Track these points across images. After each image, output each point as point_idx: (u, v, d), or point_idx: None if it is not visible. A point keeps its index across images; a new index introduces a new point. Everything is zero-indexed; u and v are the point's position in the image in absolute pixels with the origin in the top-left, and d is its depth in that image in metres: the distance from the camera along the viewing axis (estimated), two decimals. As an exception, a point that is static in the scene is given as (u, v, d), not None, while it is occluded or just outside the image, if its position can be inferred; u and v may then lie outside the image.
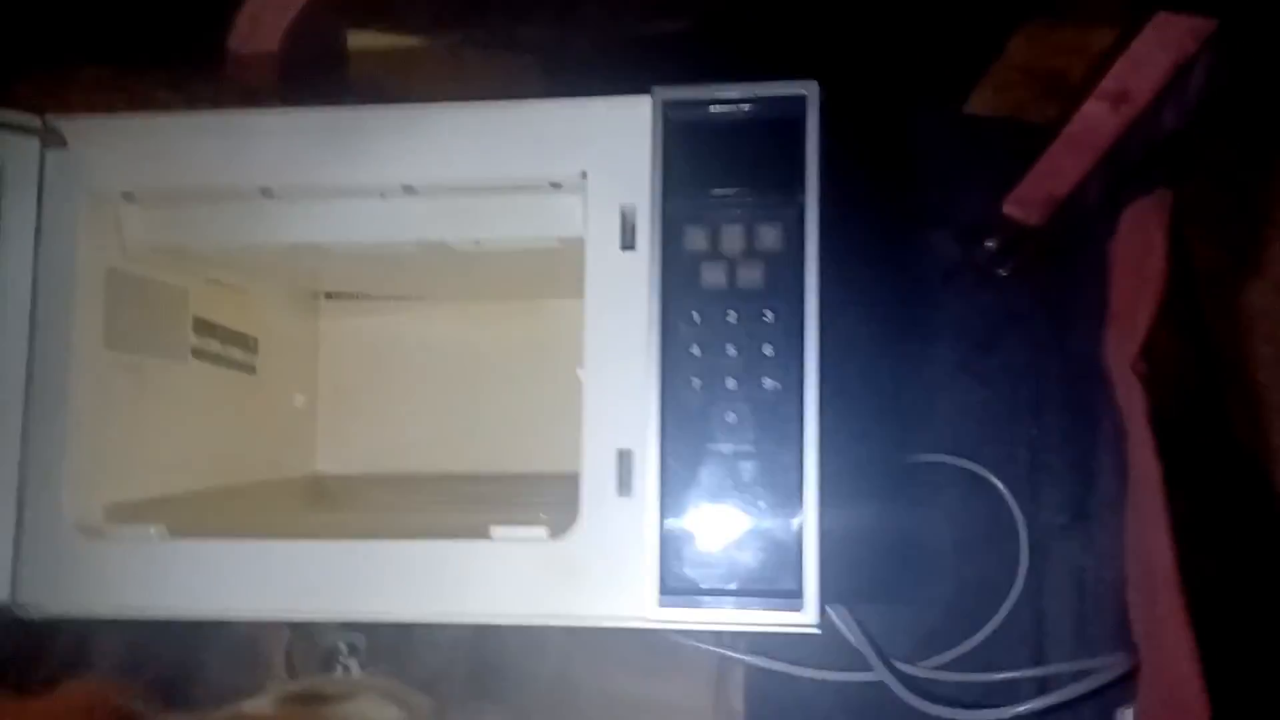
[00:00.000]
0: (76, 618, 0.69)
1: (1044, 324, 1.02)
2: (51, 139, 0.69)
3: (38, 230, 0.69)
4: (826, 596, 0.61)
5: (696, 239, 0.63)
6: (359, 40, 0.94)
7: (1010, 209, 1.01)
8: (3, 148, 0.67)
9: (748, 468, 0.61)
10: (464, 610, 0.64)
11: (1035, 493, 0.95)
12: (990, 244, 1.07)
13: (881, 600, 0.93)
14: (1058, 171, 0.94)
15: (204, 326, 0.86)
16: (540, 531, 0.64)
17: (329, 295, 1.04)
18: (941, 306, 1.06)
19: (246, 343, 0.93)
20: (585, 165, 0.66)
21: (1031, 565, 0.93)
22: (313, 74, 0.93)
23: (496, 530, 0.65)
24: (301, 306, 1.02)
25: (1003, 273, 1.06)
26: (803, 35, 0.91)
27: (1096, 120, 0.87)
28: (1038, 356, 1.01)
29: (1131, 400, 0.85)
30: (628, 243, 0.64)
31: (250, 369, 0.93)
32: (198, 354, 0.85)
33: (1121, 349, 0.87)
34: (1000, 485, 0.95)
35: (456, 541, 0.65)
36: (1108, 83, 0.84)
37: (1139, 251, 0.88)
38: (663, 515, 0.61)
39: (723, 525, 0.61)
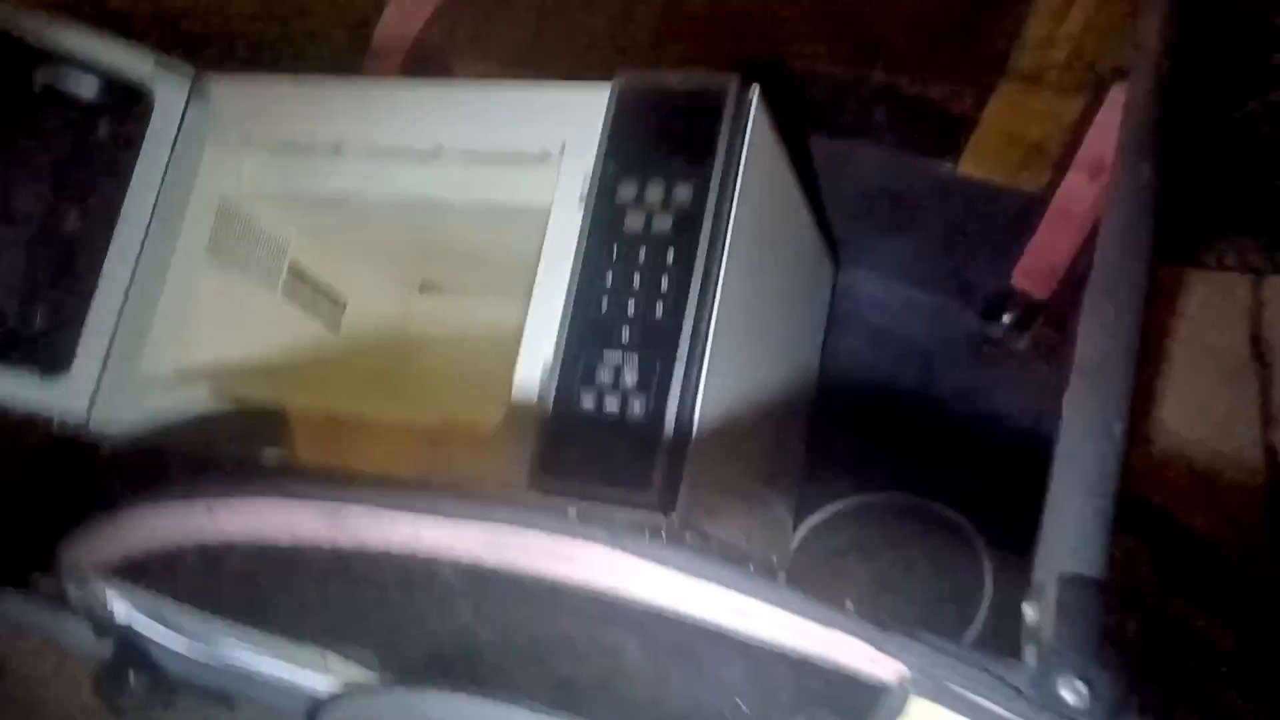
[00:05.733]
0: (134, 447, 0.88)
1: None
2: (199, 89, 0.93)
3: (170, 157, 0.92)
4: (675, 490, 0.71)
5: (627, 191, 0.77)
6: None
7: (1020, 280, 1.08)
8: (161, 87, 0.91)
9: (628, 376, 0.73)
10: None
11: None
12: (1007, 318, 1.14)
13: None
14: (1053, 244, 1.00)
15: (298, 272, 1.07)
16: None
17: (423, 288, 1.23)
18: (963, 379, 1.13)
19: (336, 300, 1.13)
20: (565, 137, 0.82)
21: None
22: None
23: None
24: (395, 289, 1.21)
25: (1020, 347, 1.12)
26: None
27: (1078, 191, 0.94)
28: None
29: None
30: (583, 196, 0.79)
31: (335, 324, 1.13)
32: (288, 292, 1.06)
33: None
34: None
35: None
36: (1083, 154, 0.92)
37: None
38: (554, 407, 0.74)
39: (597, 419, 0.72)
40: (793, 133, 0.91)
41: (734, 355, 0.79)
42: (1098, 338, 0.52)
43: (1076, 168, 0.93)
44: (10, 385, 0.85)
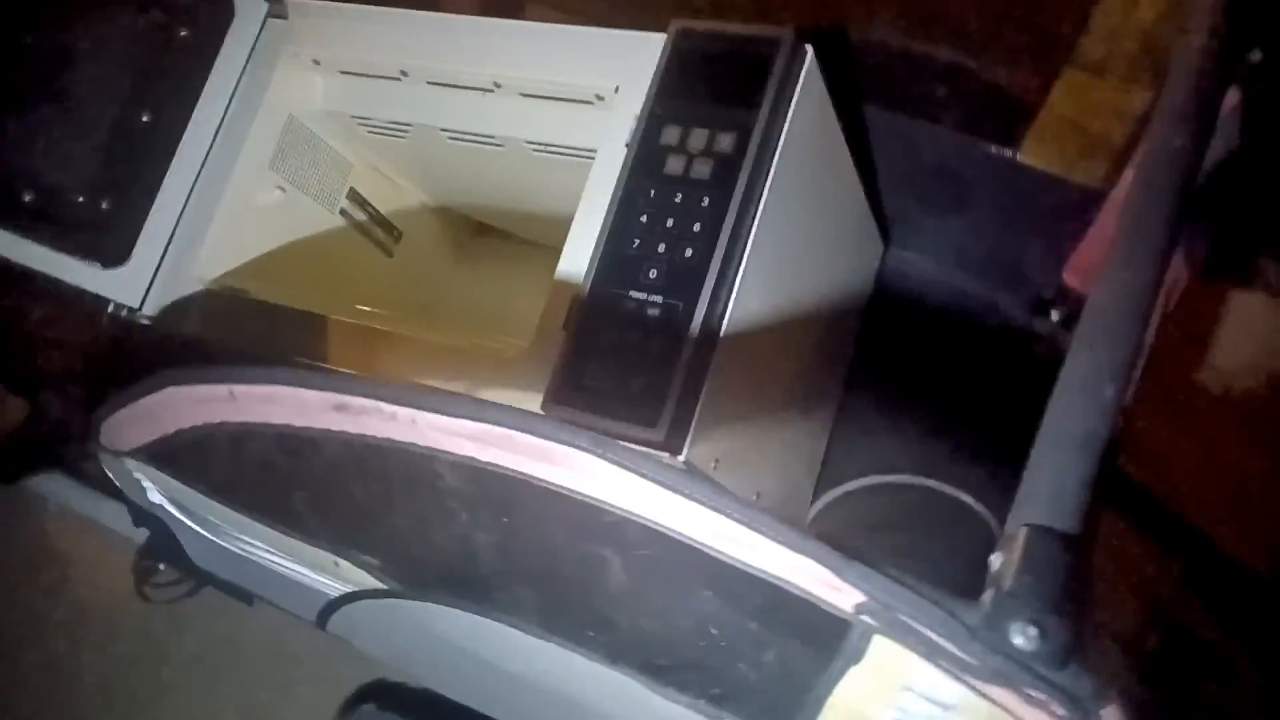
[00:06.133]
0: (177, 338, 0.92)
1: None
2: (278, 9, 0.96)
3: (244, 68, 0.95)
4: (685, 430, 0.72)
5: (671, 135, 0.78)
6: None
7: (1069, 277, 1.07)
8: (241, 4, 0.94)
9: (651, 314, 0.74)
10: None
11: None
12: (1055, 315, 1.12)
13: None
14: (1106, 239, 0.99)
15: (357, 198, 1.10)
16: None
17: (480, 231, 1.26)
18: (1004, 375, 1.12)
19: (391, 230, 1.16)
20: (620, 81, 0.83)
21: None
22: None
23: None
24: (452, 227, 1.24)
25: (1067, 346, 1.10)
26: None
27: (1136, 186, 0.92)
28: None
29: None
30: (629, 140, 0.80)
31: (389, 253, 1.16)
32: (345, 215, 1.09)
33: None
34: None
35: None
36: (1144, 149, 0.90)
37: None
38: (576, 339, 0.75)
39: (617, 353, 0.74)
40: (850, 102, 0.91)
41: (760, 308, 0.80)
42: (1107, 303, 0.52)
43: (1136, 160, 0.91)
44: (72, 269, 0.89)
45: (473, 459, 0.56)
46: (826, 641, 0.52)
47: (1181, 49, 0.63)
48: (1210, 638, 1.15)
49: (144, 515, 0.96)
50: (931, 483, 1.08)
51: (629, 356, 0.74)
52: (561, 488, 0.52)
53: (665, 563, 0.55)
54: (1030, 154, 0.97)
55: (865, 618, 0.46)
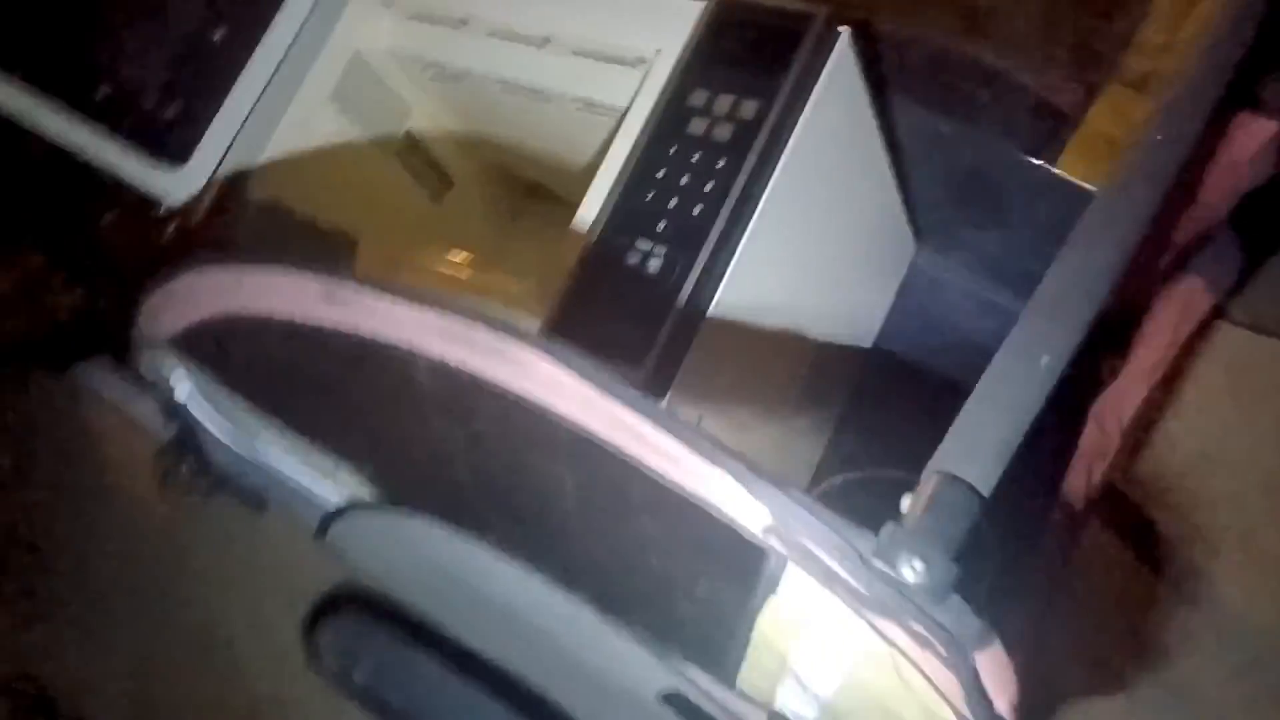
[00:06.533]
0: (220, 244, 0.97)
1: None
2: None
3: (316, 2, 1.00)
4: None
5: (698, 98, 0.80)
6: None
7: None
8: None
9: (652, 264, 0.77)
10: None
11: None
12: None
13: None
14: (1135, 265, 0.98)
15: (412, 140, 1.14)
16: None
17: (529, 192, 1.29)
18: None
19: (443, 177, 1.20)
20: (662, 44, 0.86)
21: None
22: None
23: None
24: (503, 184, 1.28)
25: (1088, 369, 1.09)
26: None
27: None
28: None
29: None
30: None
31: (436, 199, 1.20)
32: (399, 155, 1.13)
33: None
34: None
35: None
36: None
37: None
38: (577, 279, 0.78)
39: (615, 297, 0.77)
40: (889, 95, 0.93)
41: (765, 276, 0.82)
42: (1060, 279, 0.53)
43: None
44: (133, 164, 0.95)
45: (442, 360, 0.59)
46: (748, 570, 0.54)
47: (1197, 57, 0.64)
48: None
49: (173, 412, 1.02)
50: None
51: (627, 300, 0.76)
52: (515, 393, 0.55)
53: (608, 482, 0.58)
54: (1068, 166, 0.97)
55: (773, 541, 0.48)
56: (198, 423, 1.00)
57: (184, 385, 0.97)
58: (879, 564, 0.45)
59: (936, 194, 1.05)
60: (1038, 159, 0.98)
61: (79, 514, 1.46)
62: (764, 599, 0.55)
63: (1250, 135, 0.85)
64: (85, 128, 0.94)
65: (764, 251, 0.80)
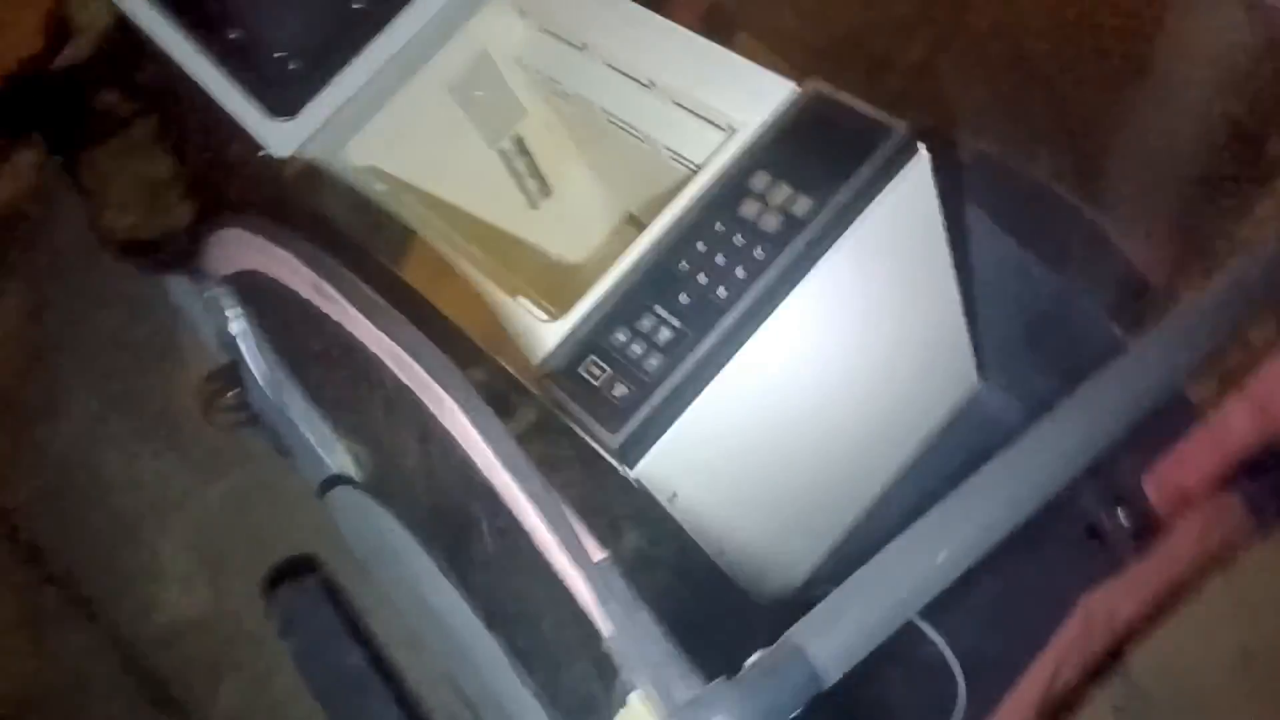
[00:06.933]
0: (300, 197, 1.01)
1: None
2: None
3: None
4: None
5: (759, 181, 0.79)
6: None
7: (1148, 487, 0.99)
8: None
9: (663, 334, 0.76)
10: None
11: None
12: (1123, 517, 1.05)
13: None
14: (1192, 464, 0.92)
15: (521, 145, 1.16)
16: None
17: (628, 220, 1.30)
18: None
19: (544, 184, 1.22)
20: (750, 118, 0.85)
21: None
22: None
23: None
24: (601, 206, 1.29)
25: (1121, 554, 1.03)
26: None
27: (1234, 422, 0.86)
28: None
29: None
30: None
31: (534, 205, 1.22)
32: (503, 155, 1.16)
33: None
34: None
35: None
36: (1259, 382, 0.83)
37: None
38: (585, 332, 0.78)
39: (614, 358, 0.76)
40: (970, 220, 0.89)
41: (776, 374, 0.80)
42: (981, 486, 0.50)
43: (1244, 394, 0.84)
44: (244, 106, 1.00)
45: (396, 376, 0.60)
46: (609, 670, 0.53)
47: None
48: None
49: (226, 342, 1.07)
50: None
51: (626, 362, 0.76)
52: (445, 427, 0.56)
53: (513, 538, 0.58)
54: (1144, 343, 0.91)
55: (611, 650, 0.48)
56: (243, 358, 1.05)
57: (240, 321, 1.02)
58: (688, 713, 0.44)
59: (1009, 329, 1.01)
60: (1117, 326, 0.93)
61: (128, 413, 1.57)
62: (622, 699, 0.54)
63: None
64: (210, 63, 1.00)
65: (782, 348, 0.79)
